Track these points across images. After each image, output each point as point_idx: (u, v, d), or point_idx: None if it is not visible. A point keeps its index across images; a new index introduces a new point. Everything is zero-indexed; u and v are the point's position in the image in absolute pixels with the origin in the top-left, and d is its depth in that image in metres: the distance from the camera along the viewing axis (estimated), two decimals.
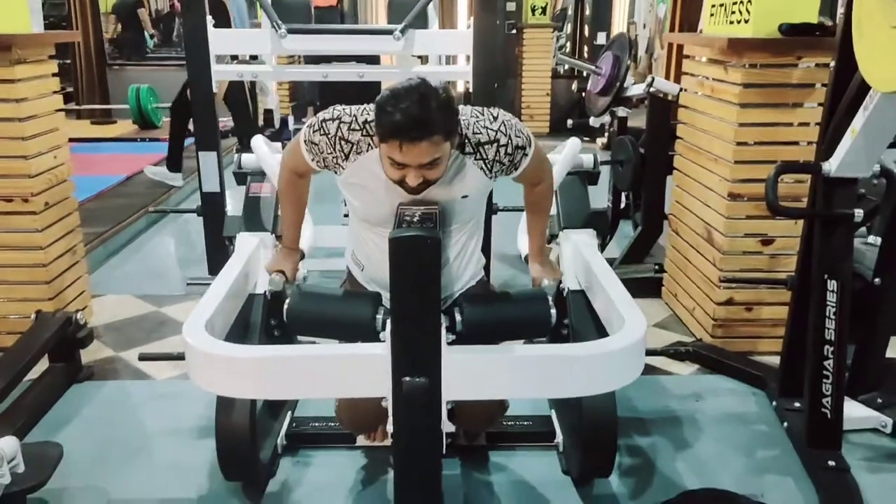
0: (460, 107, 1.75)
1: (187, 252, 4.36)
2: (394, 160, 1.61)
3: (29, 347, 2.57)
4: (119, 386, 2.80)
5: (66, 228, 3.13)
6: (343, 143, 1.75)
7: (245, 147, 4.91)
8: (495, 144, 1.75)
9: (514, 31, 8.22)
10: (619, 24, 10.17)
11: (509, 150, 1.76)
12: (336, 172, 1.83)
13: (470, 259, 1.97)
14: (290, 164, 1.95)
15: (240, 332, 2.06)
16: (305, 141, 1.82)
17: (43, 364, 2.68)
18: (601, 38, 7.87)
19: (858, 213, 2.13)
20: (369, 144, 1.75)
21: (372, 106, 1.77)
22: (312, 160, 1.84)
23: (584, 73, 7.43)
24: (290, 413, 2.42)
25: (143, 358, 2.46)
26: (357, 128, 1.75)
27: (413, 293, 1.49)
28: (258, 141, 2.53)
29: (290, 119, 7.67)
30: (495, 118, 1.77)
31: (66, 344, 2.73)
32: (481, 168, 1.77)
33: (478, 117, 1.77)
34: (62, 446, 2.08)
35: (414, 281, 1.49)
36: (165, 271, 4.11)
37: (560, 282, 2.20)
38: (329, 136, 1.76)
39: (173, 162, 5.57)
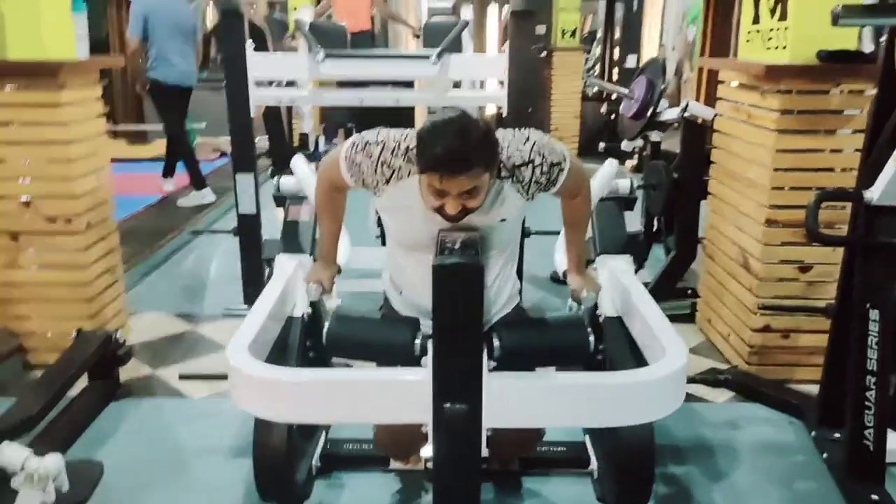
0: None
1: (222, 271, 4.41)
2: (434, 188, 1.63)
3: (70, 365, 2.62)
4: (156, 404, 2.84)
5: (107, 248, 3.20)
6: (385, 167, 1.77)
7: (280, 170, 5.00)
8: (531, 165, 1.76)
9: (544, 54, 8.26)
10: (648, 47, 10.16)
11: (545, 169, 1.77)
12: (375, 194, 1.84)
13: (505, 283, 1.97)
14: (327, 177, 1.97)
15: (278, 353, 2.08)
16: (346, 158, 1.83)
17: (82, 381, 2.73)
18: (631, 61, 7.87)
19: None
20: (410, 171, 1.76)
21: (414, 132, 1.79)
22: (351, 177, 1.85)
23: (614, 96, 7.44)
24: (324, 434, 2.44)
25: (183, 377, 2.50)
26: (400, 154, 1.76)
27: (456, 320, 1.50)
28: (298, 161, 2.56)
29: (321, 140, 7.78)
30: (528, 139, 1.78)
31: (106, 362, 2.78)
32: (518, 191, 1.78)
33: (510, 140, 1.78)
34: (102, 464, 2.12)
35: (457, 308, 1.50)
36: (200, 290, 4.17)
37: (597, 296, 2.17)
38: (372, 158, 1.78)
39: (196, 180, 5.71)
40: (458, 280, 1.50)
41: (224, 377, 1.74)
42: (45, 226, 2.94)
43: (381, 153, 1.77)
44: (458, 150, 1.54)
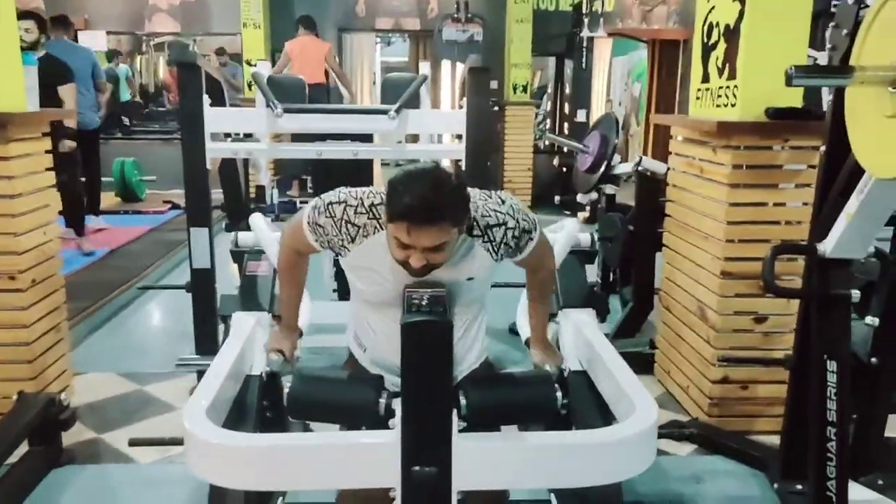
0: (468, 189, 1.75)
1: (172, 328, 4.27)
2: (400, 240, 1.60)
3: (10, 430, 2.47)
4: (101, 470, 2.69)
5: (52, 306, 3.07)
6: (349, 226, 1.75)
7: (235, 223, 4.93)
8: (503, 227, 1.76)
9: (496, 109, 8.44)
10: (597, 102, 10.46)
11: (516, 234, 1.78)
12: (341, 254, 1.82)
13: (474, 342, 1.95)
14: (290, 243, 1.94)
15: (236, 415, 2.00)
16: (309, 222, 1.81)
17: (22, 447, 2.58)
18: (581, 116, 8.09)
19: (855, 293, 2.15)
20: (375, 228, 1.75)
21: (377, 189, 1.78)
22: (316, 241, 1.83)
23: (566, 149, 7.60)
24: (281, 498, 2.33)
25: (133, 443, 2.38)
26: (363, 211, 1.75)
27: (425, 380, 1.47)
28: (257, 219, 2.52)
29: (275, 192, 7.72)
30: (503, 202, 1.79)
31: (48, 426, 2.63)
32: (488, 250, 1.77)
33: (486, 200, 1.78)
34: None
35: (425, 367, 1.47)
36: (149, 348, 4.02)
37: (561, 367, 2.18)
38: (335, 218, 1.76)
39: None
40: (428, 338, 1.47)
41: (177, 442, 1.66)
42: None
43: (343, 212, 1.76)
44: (429, 200, 1.52)
